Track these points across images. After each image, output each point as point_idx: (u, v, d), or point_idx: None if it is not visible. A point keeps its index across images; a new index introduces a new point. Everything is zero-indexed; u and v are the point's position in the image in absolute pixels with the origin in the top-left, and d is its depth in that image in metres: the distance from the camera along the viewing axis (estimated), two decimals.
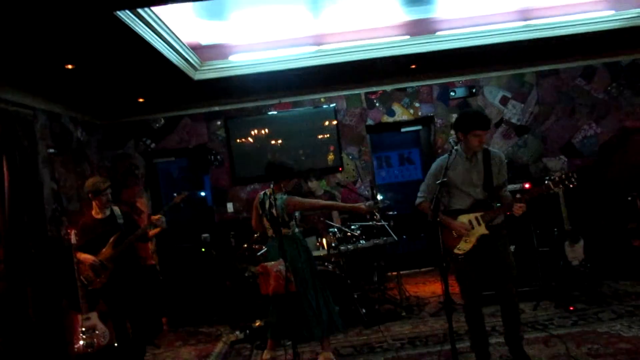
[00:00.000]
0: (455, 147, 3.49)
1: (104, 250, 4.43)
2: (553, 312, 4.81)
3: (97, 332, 4.67)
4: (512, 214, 3.49)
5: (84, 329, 4.61)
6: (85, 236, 4.48)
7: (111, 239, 4.44)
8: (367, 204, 4.07)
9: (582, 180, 3.64)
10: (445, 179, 3.30)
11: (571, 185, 3.37)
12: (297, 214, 4.24)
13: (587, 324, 4.37)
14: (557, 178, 3.39)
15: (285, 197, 4.05)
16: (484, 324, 3.71)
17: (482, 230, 3.48)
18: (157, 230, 4.62)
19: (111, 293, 4.49)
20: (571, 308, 4.73)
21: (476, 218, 3.50)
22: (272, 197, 4.01)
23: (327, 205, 4.30)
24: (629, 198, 5.67)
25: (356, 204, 4.25)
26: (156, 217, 4.57)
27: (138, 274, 4.70)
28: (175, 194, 4.78)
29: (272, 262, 3.71)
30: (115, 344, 4.69)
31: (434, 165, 3.70)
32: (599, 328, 4.23)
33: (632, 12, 5.50)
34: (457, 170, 3.54)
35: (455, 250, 3.53)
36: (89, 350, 4.61)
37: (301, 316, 3.97)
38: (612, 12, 5.49)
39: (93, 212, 4.56)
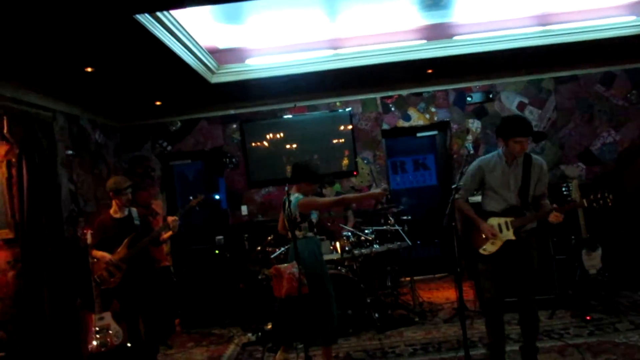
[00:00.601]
0: (497, 151, 3.64)
1: (118, 250, 4.50)
2: (569, 321, 4.75)
3: (110, 331, 4.71)
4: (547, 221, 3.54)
5: (97, 329, 4.66)
6: (102, 234, 4.58)
7: (126, 239, 4.51)
8: (380, 188, 3.93)
9: (601, 188, 3.63)
10: (462, 184, 3.30)
11: (601, 205, 3.48)
12: (313, 216, 4.09)
13: (603, 334, 4.30)
14: (592, 197, 3.55)
15: (300, 196, 3.96)
16: (503, 328, 3.70)
17: (509, 235, 3.51)
18: (169, 233, 4.66)
19: (124, 293, 4.55)
20: (588, 318, 4.65)
21: (506, 223, 3.53)
22: (289, 196, 3.85)
23: (338, 200, 4.08)
24: None
25: (367, 192, 4.14)
26: (172, 218, 4.61)
27: (151, 275, 4.75)
28: (191, 197, 4.81)
29: (286, 265, 3.70)
30: (129, 344, 4.73)
31: (472, 166, 3.73)
32: (616, 338, 4.16)
33: None
34: (496, 173, 3.58)
35: (481, 250, 3.59)
36: (102, 349, 4.65)
37: (315, 320, 3.91)
38: (634, 17, 5.41)
39: (111, 211, 4.65)
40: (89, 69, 4.64)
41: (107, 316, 4.76)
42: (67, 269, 5.05)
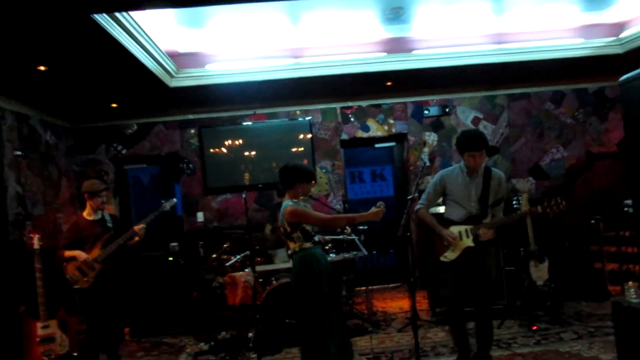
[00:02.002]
0: (460, 164, 3.77)
1: (92, 251, 4.44)
2: (516, 330, 4.89)
3: (55, 341, 4.54)
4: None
5: (41, 337, 4.48)
6: (75, 235, 4.49)
7: (100, 240, 4.47)
8: (377, 206, 3.48)
9: (546, 198, 3.79)
10: (416, 194, 3.37)
11: (558, 211, 3.62)
12: (308, 225, 3.55)
13: (549, 344, 4.45)
14: (546, 203, 3.66)
15: (289, 203, 3.51)
16: (467, 335, 3.83)
17: (469, 242, 3.66)
18: (135, 240, 4.61)
19: (95, 296, 4.44)
20: (534, 327, 4.80)
21: (466, 230, 3.68)
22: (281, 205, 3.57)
23: (333, 219, 3.60)
24: (592, 222, 5.82)
25: (366, 213, 3.48)
26: (139, 226, 4.56)
27: (124, 279, 4.75)
28: (163, 201, 4.75)
29: (241, 272, 3.66)
30: (75, 354, 4.57)
31: (435, 177, 3.88)
32: (561, 348, 4.31)
33: (600, 42, 5.70)
34: (458, 184, 3.73)
35: (442, 257, 3.71)
36: (46, 359, 4.47)
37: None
38: (582, 40, 5.68)
39: (85, 213, 4.60)
40: (42, 68, 4.49)
41: (53, 325, 4.58)
42: (11, 274, 4.84)
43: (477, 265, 3.69)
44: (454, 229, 3.71)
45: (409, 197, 3.37)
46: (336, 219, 3.76)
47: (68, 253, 4.43)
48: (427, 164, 3.56)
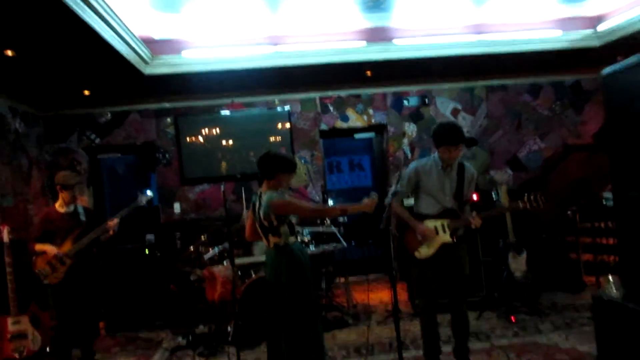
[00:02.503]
0: (434, 156, 3.65)
1: (63, 244, 4.29)
2: (495, 322, 4.91)
3: (27, 337, 4.40)
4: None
5: (12, 334, 4.34)
6: (47, 227, 4.36)
7: (72, 234, 4.32)
8: (370, 198, 3.31)
9: (527, 194, 3.78)
10: (401, 189, 3.31)
11: (541, 206, 3.55)
12: (293, 218, 3.39)
13: (527, 335, 4.48)
14: (526, 199, 3.61)
15: (274, 194, 3.24)
16: (437, 329, 3.77)
17: (446, 237, 3.55)
18: (109, 234, 4.47)
19: (66, 290, 4.30)
20: (513, 319, 4.84)
21: (442, 225, 3.57)
22: (261, 195, 3.33)
23: (322, 210, 3.44)
24: (569, 212, 5.89)
25: (359, 204, 3.31)
26: (112, 221, 4.41)
27: (95, 273, 4.59)
28: (139, 193, 4.61)
29: (219, 267, 3.55)
30: (48, 349, 4.43)
31: (408, 169, 3.76)
32: (539, 339, 4.34)
33: (578, 34, 5.74)
34: (432, 177, 3.61)
35: (416, 254, 3.58)
36: (17, 356, 4.33)
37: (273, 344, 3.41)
38: (560, 32, 5.70)
39: (57, 205, 4.44)
40: (10, 53, 4.30)
41: (24, 320, 4.43)
42: None
43: (452, 260, 3.62)
44: (429, 224, 3.58)
45: (391, 190, 3.29)
46: (329, 210, 3.55)
47: (39, 247, 4.29)
48: (410, 156, 3.48)
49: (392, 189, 3.29)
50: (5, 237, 4.36)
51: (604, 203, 5.72)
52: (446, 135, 3.52)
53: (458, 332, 3.72)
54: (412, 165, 3.77)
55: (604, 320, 3.11)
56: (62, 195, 4.40)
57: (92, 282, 4.54)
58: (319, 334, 3.32)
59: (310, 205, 3.37)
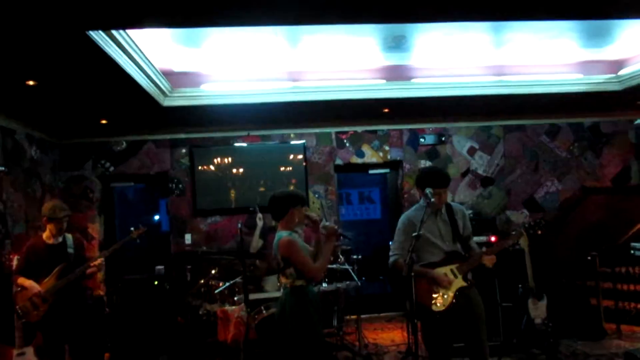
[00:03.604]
0: (420, 203, 3.59)
1: (46, 280, 4.11)
2: None
3: None
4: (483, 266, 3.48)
5: None
6: (30, 259, 4.19)
7: (56, 269, 4.14)
8: (326, 230, 3.30)
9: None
10: (421, 232, 3.21)
11: (539, 232, 3.45)
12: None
13: None
14: (527, 225, 3.57)
15: (283, 234, 3.27)
16: None
17: (460, 282, 3.42)
18: (93, 270, 4.32)
19: (49, 327, 4.14)
20: None
21: (452, 270, 3.46)
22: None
23: (321, 269, 3.30)
24: (589, 257, 5.74)
25: (329, 243, 3.30)
26: (96, 262, 4.31)
27: (80, 309, 4.34)
28: (132, 228, 4.50)
29: (234, 307, 3.46)
30: None
31: (401, 222, 3.66)
32: None
33: (599, 78, 5.71)
34: (426, 224, 3.47)
35: (434, 308, 3.38)
36: None
37: None
38: (581, 75, 5.67)
39: (44, 236, 4.28)
40: (31, 83, 4.31)
41: (29, 352, 4.33)
42: None
43: (470, 306, 3.46)
44: (439, 271, 3.44)
45: (414, 234, 3.19)
46: (321, 269, 3.37)
47: (20, 281, 4.12)
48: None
49: (415, 233, 3.19)
50: (15, 266, 4.30)
51: (632, 252, 5.57)
52: (436, 179, 3.51)
53: None
54: (403, 217, 3.69)
55: None
56: (49, 227, 4.22)
57: (81, 317, 4.33)
58: None
59: (309, 264, 3.22)
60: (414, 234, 3.17)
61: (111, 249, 4.42)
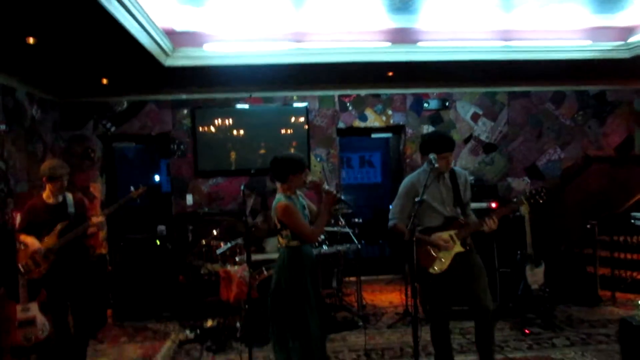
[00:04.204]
0: (424, 167, 3.56)
1: (47, 238, 4.12)
2: (508, 333, 4.84)
3: (36, 324, 4.38)
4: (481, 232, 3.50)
5: (21, 321, 4.32)
6: (31, 219, 4.19)
7: (57, 228, 4.14)
8: (325, 194, 3.35)
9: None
10: (424, 197, 3.22)
11: (540, 201, 3.43)
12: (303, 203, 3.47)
13: (541, 349, 4.41)
14: (528, 193, 3.49)
15: (282, 198, 3.33)
16: (450, 342, 3.70)
17: (457, 247, 3.47)
18: (93, 230, 4.33)
19: (52, 284, 4.21)
20: (527, 331, 4.76)
21: (450, 236, 3.48)
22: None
23: (317, 232, 3.38)
24: (588, 226, 5.78)
25: (326, 207, 3.35)
26: (97, 219, 4.26)
27: (83, 267, 4.39)
28: (132, 188, 4.47)
29: (236, 267, 3.52)
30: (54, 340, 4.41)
31: (403, 186, 3.66)
32: (553, 354, 4.27)
33: (607, 45, 5.61)
34: (428, 188, 3.46)
35: (431, 270, 3.47)
36: (26, 343, 4.32)
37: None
38: (590, 42, 5.57)
39: (44, 195, 4.25)
40: (31, 40, 4.25)
41: (34, 307, 4.40)
42: None
43: (469, 269, 3.52)
44: (440, 236, 3.49)
45: (417, 199, 3.20)
46: (317, 232, 3.42)
47: (22, 238, 4.15)
48: (436, 165, 3.38)
49: (419, 198, 3.19)
50: (17, 224, 4.33)
51: (632, 222, 5.60)
52: (443, 143, 3.50)
53: (483, 345, 3.62)
54: (407, 180, 3.69)
55: (631, 346, 3.02)
56: (49, 187, 4.19)
57: (83, 274, 4.34)
58: (313, 335, 3.27)
59: (304, 227, 3.30)
60: (416, 199, 3.17)
61: (111, 208, 4.41)
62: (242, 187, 3.60)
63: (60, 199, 4.27)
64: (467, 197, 3.65)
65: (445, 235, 3.49)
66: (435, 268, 3.47)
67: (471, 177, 5.68)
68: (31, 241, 4.11)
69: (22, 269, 4.13)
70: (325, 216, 3.35)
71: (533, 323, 4.96)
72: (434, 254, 3.49)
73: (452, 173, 3.62)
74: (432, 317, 3.66)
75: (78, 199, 4.46)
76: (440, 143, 3.50)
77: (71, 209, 4.26)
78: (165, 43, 5.04)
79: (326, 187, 3.36)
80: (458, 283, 3.54)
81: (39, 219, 4.17)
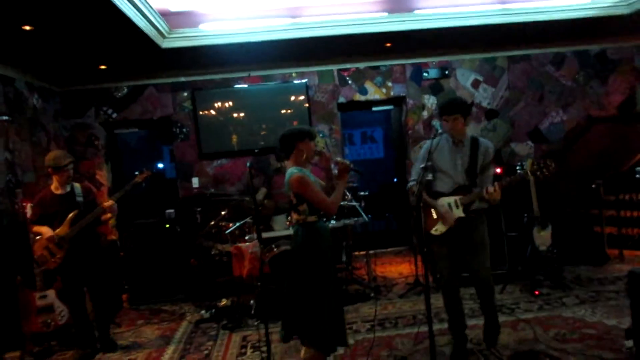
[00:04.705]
0: (443, 132, 3.60)
1: (59, 228, 4.20)
2: (518, 295, 4.90)
3: (54, 311, 4.47)
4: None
5: (40, 308, 4.40)
6: (42, 211, 4.26)
7: (68, 217, 4.21)
8: (338, 165, 3.30)
9: (537, 161, 3.68)
10: (429, 163, 3.26)
11: (547, 173, 3.42)
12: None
13: (552, 309, 4.47)
14: (535, 165, 3.45)
15: (294, 171, 3.19)
16: (461, 305, 3.76)
17: (459, 213, 3.53)
18: (108, 215, 4.43)
19: (68, 272, 4.28)
20: (536, 292, 4.82)
21: (455, 201, 3.55)
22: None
23: (336, 203, 3.26)
24: (593, 186, 5.80)
25: (341, 178, 3.29)
26: (108, 203, 4.33)
27: (97, 253, 4.46)
28: (137, 172, 4.51)
29: (247, 244, 3.52)
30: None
31: (422, 150, 3.76)
32: (564, 313, 4.33)
33: (606, 2, 5.54)
34: (443, 154, 3.59)
35: (432, 231, 3.59)
36: (45, 329, 4.41)
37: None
38: (588, 0, 5.51)
39: (52, 187, 4.32)
40: (28, 28, 4.23)
41: (51, 294, 4.50)
42: (4, 244, 4.70)
43: (470, 234, 3.60)
44: (443, 201, 3.57)
45: (421, 166, 3.23)
46: (336, 203, 3.27)
47: (36, 229, 4.23)
48: (440, 131, 3.42)
49: (425, 165, 3.23)
50: (29, 213, 4.38)
51: (637, 176, 5.61)
52: (443, 106, 3.60)
53: (485, 307, 3.68)
54: (425, 144, 3.74)
55: None
56: (56, 177, 4.26)
57: (97, 261, 4.44)
58: (333, 307, 3.21)
59: (322, 197, 3.20)
60: (421, 166, 3.20)
61: (119, 194, 4.46)
62: (248, 164, 3.59)
63: (68, 188, 4.34)
64: (483, 167, 3.62)
65: (446, 201, 3.56)
66: (436, 229, 3.58)
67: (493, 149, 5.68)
68: (45, 230, 4.20)
69: (38, 261, 4.20)
70: (342, 187, 3.28)
71: (542, 285, 5.02)
72: (435, 216, 3.59)
73: (475, 142, 3.62)
74: (442, 283, 3.72)
75: (86, 187, 4.52)
76: (442, 106, 3.61)
77: (79, 198, 4.33)
78: (161, 24, 5.02)
79: (338, 158, 3.34)
80: (459, 247, 3.62)
81: (50, 210, 4.24)
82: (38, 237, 4.22)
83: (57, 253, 4.18)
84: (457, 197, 3.54)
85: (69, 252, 4.21)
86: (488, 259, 3.64)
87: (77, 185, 4.42)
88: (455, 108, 3.55)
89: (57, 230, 4.18)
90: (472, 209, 3.55)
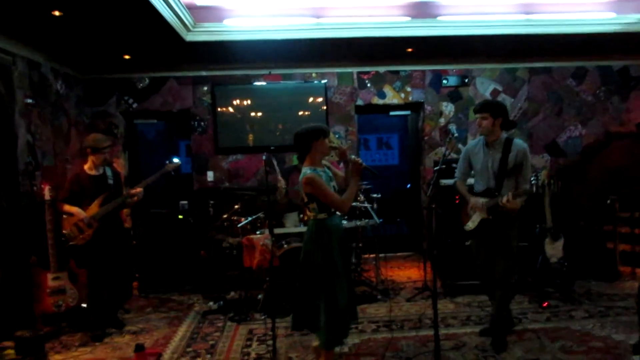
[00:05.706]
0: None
1: (90, 207, 4.39)
2: (526, 306, 4.88)
3: (66, 292, 4.54)
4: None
5: (52, 289, 4.48)
6: (75, 189, 4.43)
7: (99, 198, 4.40)
8: (351, 163, 3.33)
9: (565, 180, 3.76)
10: (443, 166, 3.36)
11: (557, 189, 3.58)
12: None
13: (560, 321, 4.44)
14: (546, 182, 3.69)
15: (307, 171, 3.25)
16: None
17: (483, 214, 3.77)
18: (135, 199, 4.58)
19: (94, 251, 4.41)
20: (545, 304, 4.79)
21: (482, 203, 3.77)
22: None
23: (348, 202, 3.30)
24: (608, 201, 5.75)
25: (354, 176, 3.31)
26: (136, 190, 4.51)
27: (121, 235, 4.67)
28: (167, 162, 4.68)
29: (259, 235, 3.57)
30: (84, 305, 4.57)
31: (463, 151, 4.06)
32: (572, 325, 4.30)
33: (632, 18, 5.51)
34: (478, 156, 3.83)
35: (465, 227, 3.94)
36: (56, 310, 4.48)
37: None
38: (614, 14, 5.48)
39: (86, 167, 4.52)
40: (57, 13, 4.32)
41: (64, 276, 4.58)
42: (22, 225, 4.79)
43: (494, 236, 3.78)
44: (476, 199, 3.85)
45: (435, 168, 3.29)
46: (348, 202, 3.32)
47: (67, 208, 4.39)
48: (456, 134, 3.46)
49: (438, 167, 3.43)
50: (47, 195, 4.47)
51: None
52: (476, 105, 3.86)
53: (495, 306, 3.89)
54: (465, 147, 4.07)
55: None
56: (92, 158, 4.46)
57: (119, 244, 4.62)
58: (341, 306, 3.22)
59: (336, 198, 3.24)
60: (435, 168, 3.25)
61: (149, 180, 4.62)
62: (264, 157, 3.64)
63: (102, 170, 4.52)
64: (519, 170, 3.74)
65: (480, 200, 3.78)
66: (469, 225, 3.88)
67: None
68: (77, 210, 4.36)
69: (66, 236, 4.36)
70: (354, 187, 3.30)
71: (552, 297, 4.99)
72: (469, 212, 3.87)
73: (507, 144, 3.73)
74: (478, 270, 4.12)
75: (116, 172, 4.71)
76: (476, 105, 3.89)
77: (111, 181, 4.54)
78: (186, 17, 5.09)
79: (352, 156, 3.37)
80: (486, 246, 3.87)
81: (82, 189, 4.42)
82: (67, 217, 4.35)
83: (85, 231, 4.36)
84: (484, 199, 3.76)
85: (97, 231, 4.36)
86: (509, 262, 3.81)
87: (108, 168, 4.63)
88: (484, 107, 3.74)
89: (88, 210, 4.36)
90: (495, 212, 3.73)
